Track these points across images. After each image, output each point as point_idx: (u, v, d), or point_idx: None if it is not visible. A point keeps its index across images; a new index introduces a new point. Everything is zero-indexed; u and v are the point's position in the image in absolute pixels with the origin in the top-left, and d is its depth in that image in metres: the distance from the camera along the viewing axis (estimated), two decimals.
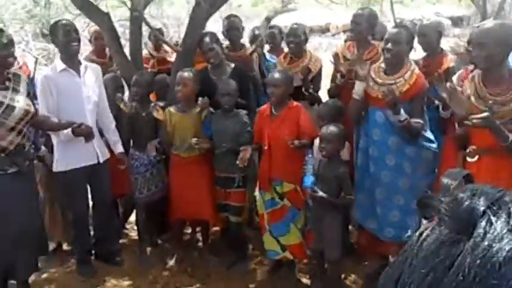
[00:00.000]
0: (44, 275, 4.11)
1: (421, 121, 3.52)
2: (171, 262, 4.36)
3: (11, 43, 3.52)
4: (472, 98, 3.10)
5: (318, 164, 3.70)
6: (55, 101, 3.89)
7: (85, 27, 6.83)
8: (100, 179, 4.16)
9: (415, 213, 3.46)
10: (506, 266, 0.51)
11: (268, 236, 4.02)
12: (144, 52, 5.35)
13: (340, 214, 3.70)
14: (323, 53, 10.58)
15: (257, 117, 4.06)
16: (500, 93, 3.02)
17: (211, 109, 4.16)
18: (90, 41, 5.26)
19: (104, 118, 4.19)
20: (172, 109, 4.15)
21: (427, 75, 3.66)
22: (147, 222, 4.49)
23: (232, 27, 4.75)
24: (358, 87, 3.66)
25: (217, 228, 4.70)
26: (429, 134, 3.66)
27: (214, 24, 6.76)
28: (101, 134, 4.21)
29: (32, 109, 3.57)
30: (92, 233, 4.40)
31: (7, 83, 3.50)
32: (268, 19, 11.56)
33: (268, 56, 4.96)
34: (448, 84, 3.23)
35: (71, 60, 3.96)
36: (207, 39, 4.30)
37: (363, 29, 4.12)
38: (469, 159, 3.22)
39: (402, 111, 3.42)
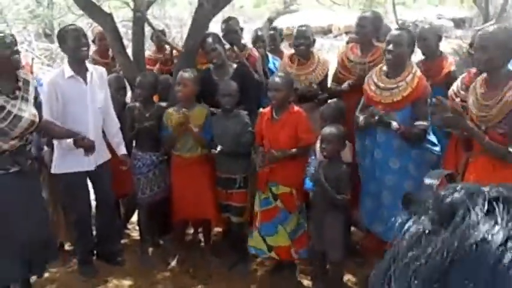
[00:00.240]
0: (46, 275, 4.11)
1: (426, 123, 3.52)
2: (173, 263, 4.37)
3: (13, 42, 3.51)
4: (473, 109, 3.10)
5: (319, 165, 3.70)
6: (60, 107, 3.90)
7: (88, 27, 6.84)
8: (102, 179, 4.17)
9: None
10: (482, 246, 0.54)
11: (256, 235, 4.03)
12: (147, 53, 5.36)
13: (341, 215, 3.70)
14: (325, 54, 10.58)
15: (258, 119, 4.06)
16: (492, 97, 3.03)
17: (213, 109, 4.16)
18: (93, 41, 5.27)
19: (109, 121, 4.19)
20: (172, 110, 4.16)
21: (428, 78, 3.67)
22: (149, 223, 4.49)
23: (230, 30, 4.75)
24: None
25: (219, 229, 4.70)
26: (432, 137, 3.67)
27: (217, 25, 6.78)
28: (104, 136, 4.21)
29: (37, 119, 3.56)
30: (93, 233, 4.40)
31: (17, 92, 3.48)
32: (270, 20, 11.56)
33: (270, 57, 4.97)
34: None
35: (79, 65, 3.97)
36: (210, 39, 4.31)
37: (368, 31, 4.11)
38: (470, 159, 3.23)
39: (394, 123, 3.44)
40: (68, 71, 3.94)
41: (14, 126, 3.39)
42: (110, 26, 4.64)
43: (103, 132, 4.21)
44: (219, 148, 3.99)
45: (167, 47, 5.50)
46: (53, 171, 4.02)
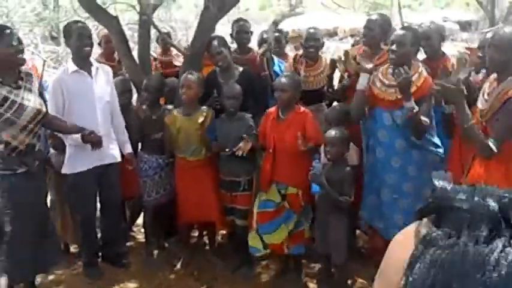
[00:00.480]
0: (51, 277, 4.12)
1: (428, 120, 3.52)
2: (178, 265, 4.37)
3: (19, 40, 3.54)
4: (479, 105, 3.10)
5: (323, 167, 3.70)
6: (66, 103, 3.91)
7: (94, 30, 6.87)
8: (110, 181, 4.18)
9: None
10: None
11: (254, 234, 4.02)
12: (153, 56, 5.38)
13: (345, 217, 3.69)
14: (331, 57, 10.58)
15: (263, 119, 4.06)
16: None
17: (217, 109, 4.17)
18: (99, 44, 5.29)
19: (114, 118, 4.21)
20: (176, 112, 4.16)
21: (431, 77, 3.67)
22: (154, 225, 4.49)
23: (242, 30, 4.78)
24: (363, 79, 3.68)
25: (223, 231, 4.70)
26: (436, 139, 3.66)
27: (223, 28, 6.78)
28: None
29: (44, 108, 3.60)
30: (99, 235, 4.41)
31: (20, 82, 3.52)
32: (275, 23, 11.56)
33: (276, 59, 4.97)
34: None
35: (83, 61, 3.99)
36: (215, 42, 4.31)
37: (376, 34, 4.09)
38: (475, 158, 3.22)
39: (412, 102, 3.43)
40: (72, 67, 3.96)
41: (19, 114, 3.42)
42: (115, 29, 4.66)
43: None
44: (227, 149, 3.99)
45: (173, 49, 5.51)
46: (64, 171, 4.03)
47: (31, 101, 3.51)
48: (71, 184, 4.06)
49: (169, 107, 4.37)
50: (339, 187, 3.60)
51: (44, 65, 6.90)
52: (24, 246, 3.60)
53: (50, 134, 4.11)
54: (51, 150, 4.19)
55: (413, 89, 3.52)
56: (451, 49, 11.28)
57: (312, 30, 4.53)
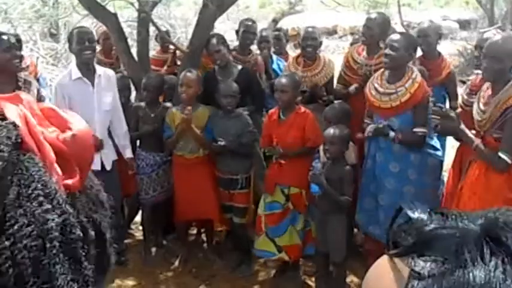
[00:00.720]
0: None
1: (425, 130, 3.51)
2: (176, 263, 4.37)
3: (13, 45, 3.50)
4: (475, 115, 3.11)
5: (323, 166, 3.70)
6: (67, 108, 3.90)
7: (93, 27, 6.86)
8: (109, 179, 4.17)
9: None
10: None
11: (264, 238, 4.01)
12: (152, 54, 5.36)
13: (344, 216, 3.70)
14: (330, 55, 10.58)
15: (265, 121, 4.07)
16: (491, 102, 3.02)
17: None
18: (98, 41, 5.28)
19: (116, 123, 4.19)
20: (175, 110, 4.16)
21: (428, 78, 3.69)
22: (152, 223, 4.50)
23: (248, 31, 4.75)
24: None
25: (221, 229, 4.70)
26: (435, 142, 3.66)
27: (221, 25, 6.78)
28: (111, 139, 4.21)
29: None
30: None
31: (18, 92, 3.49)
32: (275, 21, 11.57)
33: (275, 58, 4.96)
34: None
35: (86, 67, 3.97)
36: (214, 40, 4.31)
37: (374, 33, 4.09)
38: (472, 161, 3.22)
39: (391, 133, 3.49)
40: (76, 73, 3.95)
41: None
42: (114, 26, 4.64)
43: (110, 133, 4.21)
44: (222, 143, 3.98)
45: (172, 47, 5.50)
46: None
47: None
48: None
49: (168, 104, 4.37)
50: (339, 186, 3.60)
51: (37, 60, 6.90)
52: None
53: None
54: None
55: (406, 96, 3.52)
56: (451, 48, 11.29)
57: (309, 29, 4.52)
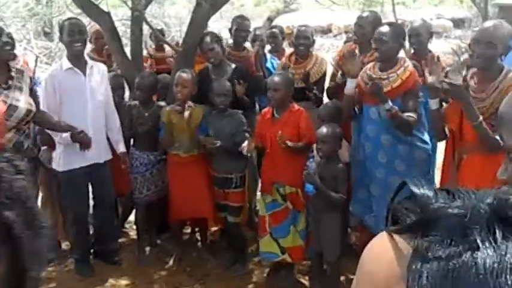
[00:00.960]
0: (42, 274, 4.11)
1: (414, 115, 3.52)
2: (170, 262, 4.36)
3: (5, 43, 3.48)
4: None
5: (317, 165, 3.70)
6: (58, 100, 3.89)
7: (87, 25, 6.85)
8: (102, 178, 4.17)
9: None
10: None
11: (268, 239, 4.01)
12: (145, 52, 5.35)
13: (338, 215, 3.70)
14: (325, 53, 10.58)
15: (258, 120, 4.06)
16: (483, 90, 3.03)
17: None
18: (90, 40, 5.26)
19: (109, 117, 4.19)
20: (170, 108, 4.15)
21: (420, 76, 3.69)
22: (146, 222, 4.49)
23: (241, 28, 4.74)
24: (350, 85, 3.68)
25: (216, 228, 4.70)
26: (424, 136, 3.67)
27: (215, 24, 6.76)
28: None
29: (34, 108, 3.57)
30: (91, 231, 4.39)
31: (10, 82, 3.47)
32: (270, 19, 11.57)
33: (269, 56, 4.96)
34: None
35: (77, 59, 3.97)
36: (208, 39, 4.30)
37: (366, 32, 4.09)
38: (464, 156, 3.22)
39: (390, 102, 3.43)
40: (66, 64, 3.94)
41: (9, 116, 3.39)
42: (107, 25, 4.63)
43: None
44: (218, 143, 3.98)
45: (166, 46, 5.49)
46: (57, 168, 4.02)
47: (21, 101, 3.46)
48: (64, 182, 4.05)
49: (162, 103, 4.36)
50: (332, 184, 3.60)
51: (36, 60, 6.88)
52: None
53: (38, 130, 4.08)
54: (43, 147, 4.17)
55: (398, 82, 3.54)
56: (445, 46, 11.31)
57: (302, 28, 4.52)
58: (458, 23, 15.30)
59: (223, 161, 4.08)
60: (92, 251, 4.40)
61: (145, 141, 4.28)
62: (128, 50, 4.88)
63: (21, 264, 0.70)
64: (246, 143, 3.88)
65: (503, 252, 0.51)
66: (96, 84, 4.04)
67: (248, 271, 4.28)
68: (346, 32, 12.78)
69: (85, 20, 5.10)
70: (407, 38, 4.04)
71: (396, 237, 0.58)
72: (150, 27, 5.15)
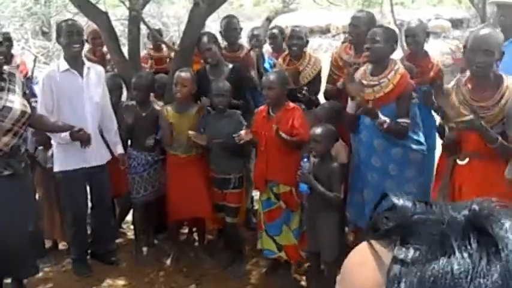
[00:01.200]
0: (39, 274, 4.10)
1: (408, 121, 3.52)
2: (167, 262, 4.36)
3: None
4: (461, 107, 3.09)
5: (312, 165, 3.69)
6: (55, 101, 3.88)
7: (84, 25, 6.84)
8: (100, 180, 4.16)
9: None
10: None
11: (265, 235, 4.02)
12: (143, 52, 5.34)
13: (335, 215, 3.69)
14: (323, 54, 10.58)
15: (254, 118, 4.05)
16: (486, 98, 3.02)
17: (209, 108, 4.16)
18: (86, 40, 5.24)
19: (106, 119, 4.18)
20: (169, 108, 4.15)
21: (415, 76, 3.69)
22: (143, 222, 4.48)
23: (230, 27, 4.74)
24: (351, 105, 3.66)
25: (213, 228, 4.69)
26: (419, 136, 3.66)
27: (213, 24, 6.76)
28: (102, 136, 4.20)
29: (28, 109, 3.54)
30: (88, 232, 4.39)
31: (2, 84, 3.45)
32: (269, 19, 11.55)
33: (266, 56, 4.95)
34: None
35: (74, 60, 3.96)
36: (205, 39, 4.30)
37: (361, 31, 4.09)
38: (459, 162, 3.21)
39: (381, 115, 3.43)
40: (63, 65, 3.93)
41: (3, 117, 3.36)
42: (105, 25, 4.62)
43: (102, 133, 4.20)
44: (205, 141, 3.97)
45: (164, 46, 5.49)
46: (55, 169, 4.01)
47: (15, 102, 3.44)
48: (62, 183, 4.04)
49: (159, 103, 4.35)
50: (327, 183, 3.59)
51: (35, 61, 6.87)
52: (12, 249, 3.56)
53: (34, 131, 4.07)
54: (39, 148, 4.17)
55: (389, 88, 3.52)
56: (443, 46, 11.31)
57: (295, 29, 4.52)
58: (456, 24, 15.29)
59: (222, 162, 4.07)
60: (89, 251, 4.40)
61: (143, 142, 4.27)
62: (125, 50, 4.87)
63: None
64: (243, 131, 3.87)
65: (477, 259, 0.54)
66: (94, 85, 4.04)
67: (245, 271, 4.28)
68: (344, 32, 12.77)
69: (82, 20, 5.10)
70: (404, 38, 4.05)
71: (376, 246, 0.61)
72: (148, 27, 5.14)
